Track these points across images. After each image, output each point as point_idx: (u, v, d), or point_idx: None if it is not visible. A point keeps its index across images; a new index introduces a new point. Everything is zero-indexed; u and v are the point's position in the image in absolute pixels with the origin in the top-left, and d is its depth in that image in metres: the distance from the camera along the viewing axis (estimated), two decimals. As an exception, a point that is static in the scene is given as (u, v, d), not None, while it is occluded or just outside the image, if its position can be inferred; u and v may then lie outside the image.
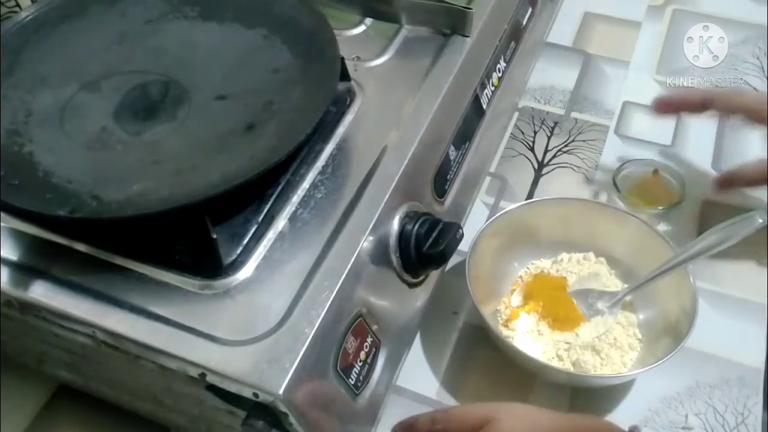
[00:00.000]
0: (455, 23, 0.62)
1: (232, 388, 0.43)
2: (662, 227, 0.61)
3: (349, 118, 0.56)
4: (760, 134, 0.75)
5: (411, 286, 0.55)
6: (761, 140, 0.75)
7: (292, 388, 0.41)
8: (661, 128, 0.77)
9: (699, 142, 0.75)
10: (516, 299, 0.61)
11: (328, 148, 0.54)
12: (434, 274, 0.58)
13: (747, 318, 0.61)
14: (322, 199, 0.51)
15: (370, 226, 0.49)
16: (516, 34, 0.73)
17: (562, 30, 0.89)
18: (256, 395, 0.42)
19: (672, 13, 0.90)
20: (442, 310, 0.62)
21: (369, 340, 0.49)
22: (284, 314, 0.44)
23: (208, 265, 0.47)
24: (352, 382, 0.48)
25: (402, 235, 0.52)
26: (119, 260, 0.48)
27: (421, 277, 0.56)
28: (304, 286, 0.46)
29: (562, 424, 0.49)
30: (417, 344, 0.60)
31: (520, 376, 0.58)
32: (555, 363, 0.57)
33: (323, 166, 0.53)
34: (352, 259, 0.47)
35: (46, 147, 0.51)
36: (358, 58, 0.61)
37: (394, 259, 0.52)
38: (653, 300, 0.60)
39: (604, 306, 0.59)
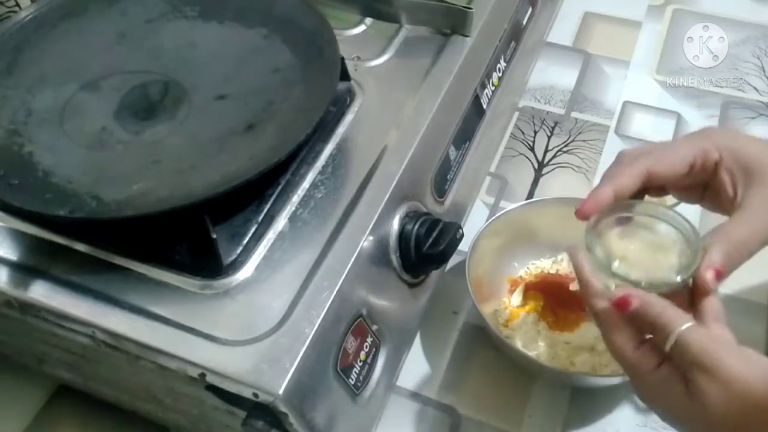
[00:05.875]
0: (455, 23, 0.62)
1: (232, 388, 0.43)
2: (662, 227, 0.61)
3: (349, 118, 0.56)
4: (763, 131, 0.76)
5: (411, 286, 0.55)
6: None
7: (292, 388, 0.41)
8: (661, 128, 0.77)
9: (699, 142, 0.75)
10: (516, 299, 0.61)
11: (328, 148, 0.54)
12: (434, 274, 0.58)
13: (747, 318, 0.61)
14: (322, 199, 0.51)
15: (370, 226, 0.49)
16: (516, 33, 0.73)
17: (562, 30, 0.89)
18: (256, 395, 0.42)
19: (672, 13, 0.90)
20: (442, 310, 0.62)
21: (369, 340, 0.49)
22: (284, 314, 0.44)
23: (208, 265, 0.47)
24: (352, 382, 0.48)
25: (402, 235, 0.52)
26: (119, 260, 0.48)
27: (421, 277, 0.56)
28: (304, 286, 0.46)
29: None
30: (417, 344, 0.60)
31: (520, 376, 0.58)
32: (555, 363, 0.57)
33: (323, 166, 0.53)
34: (352, 259, 0.47)
35: (46, 147, 0.51)
36: (358, 58, 0.61)
37: (394, 259, 0.52)
38: (653, 300, 0.59)
39: (604, 306, 0.59)
